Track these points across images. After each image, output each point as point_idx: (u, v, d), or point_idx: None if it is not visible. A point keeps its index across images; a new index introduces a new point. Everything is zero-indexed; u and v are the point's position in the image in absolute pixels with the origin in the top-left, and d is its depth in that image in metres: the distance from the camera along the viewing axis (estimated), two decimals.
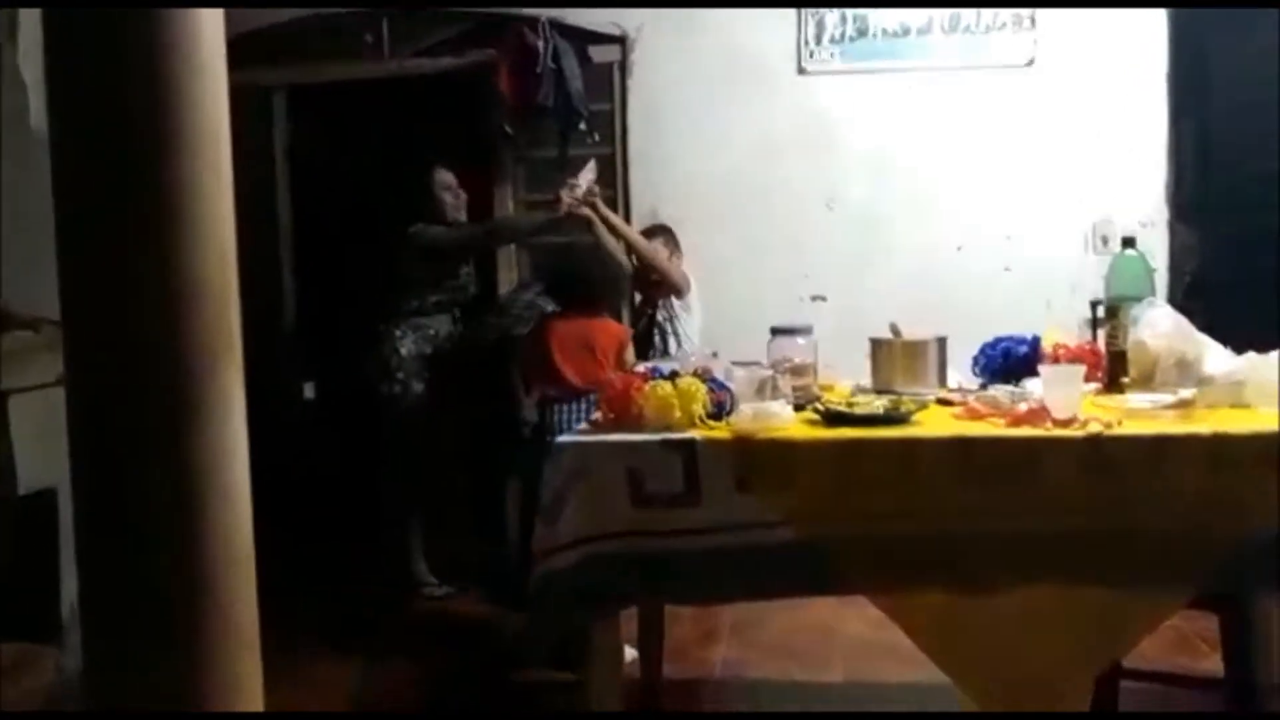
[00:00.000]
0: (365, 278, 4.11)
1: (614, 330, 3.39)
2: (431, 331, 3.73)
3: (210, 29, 1.14)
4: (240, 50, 4.52)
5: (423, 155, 3.89)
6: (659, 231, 3.79)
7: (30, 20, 2.60)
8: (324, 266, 4.74)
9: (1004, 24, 3.98)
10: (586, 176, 3.63)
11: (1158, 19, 3.87)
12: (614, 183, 4.20)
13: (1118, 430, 1.91)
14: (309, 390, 4.70)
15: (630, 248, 3.67)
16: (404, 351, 3.67)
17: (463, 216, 3.80)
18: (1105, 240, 3.87)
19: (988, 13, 3.97)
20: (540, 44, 4.07)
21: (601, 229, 3.61)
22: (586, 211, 3.60)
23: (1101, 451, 1.88)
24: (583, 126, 4.15)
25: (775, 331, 2.62)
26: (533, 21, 4.10)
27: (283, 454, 4.41)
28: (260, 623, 1.29)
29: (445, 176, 3.77)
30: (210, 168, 1.15)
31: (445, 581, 3.76)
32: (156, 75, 1.12)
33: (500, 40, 4.17)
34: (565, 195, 3.64)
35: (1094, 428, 1.91)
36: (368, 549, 4.01)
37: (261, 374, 4.27)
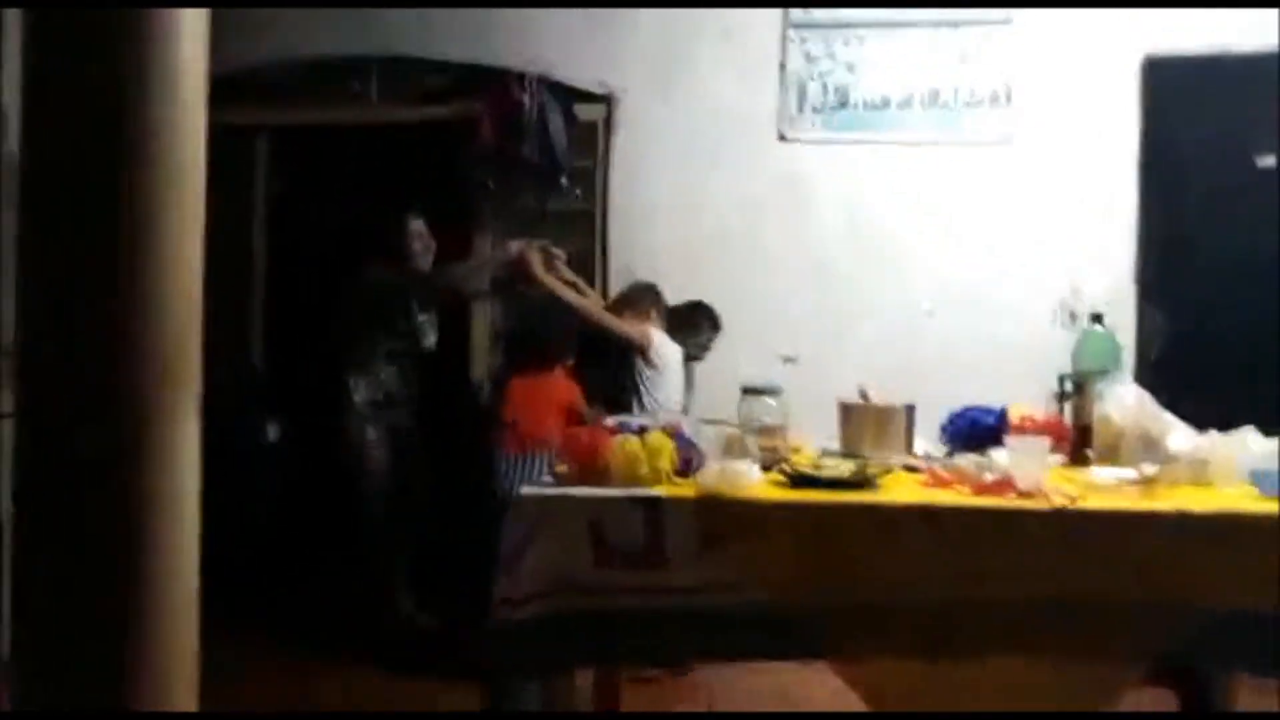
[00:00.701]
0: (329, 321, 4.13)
1: (563, 386, 3.40)
2: (382, 377, 3.72)
3: (192, 59, 1.14)
4: (226, 89, 4.53)
5: (398, 202, 3.91)
6: (644, 291, 3.78)
7: (12, 43, 2.59)
8: (295, 308, 4.71)
9: (981, 100, 4.07)
10: (550, 250, 3.68)
11: (1131, 101, 3.97)
12: (592, 239, 4.22)
13: (1082, 504, 1.91)
14: (272, 433, 4.64)
15: (571, 310, 3.64)
16: (356, 398, 3.67)
17: (427, 265, 3.81)
18: (1074, 315, 3.92)
19: (965, 88, 4.05)
20: (526, 98, 4.12)
21: (555, 285, 3.61)
22: (531, 265, 3.59)
23: (1065, 524, 1.89)
24: (564, 182, 4.18)
25: (746, 391, 2.62)
26: (520, 76, 4.14)
27: (242, 493, 4.38)
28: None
29: (417, 225, 3.80)
30: (182, 205, 1.14)
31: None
32: (134, 107, 1.11)
33: (486, 92, 4.21)
34: (515, 245, 3.71)
35: (1058, 500, 1.92)
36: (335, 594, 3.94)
37: (225, 413, 4.27)
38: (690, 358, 3.78)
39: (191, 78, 1.14)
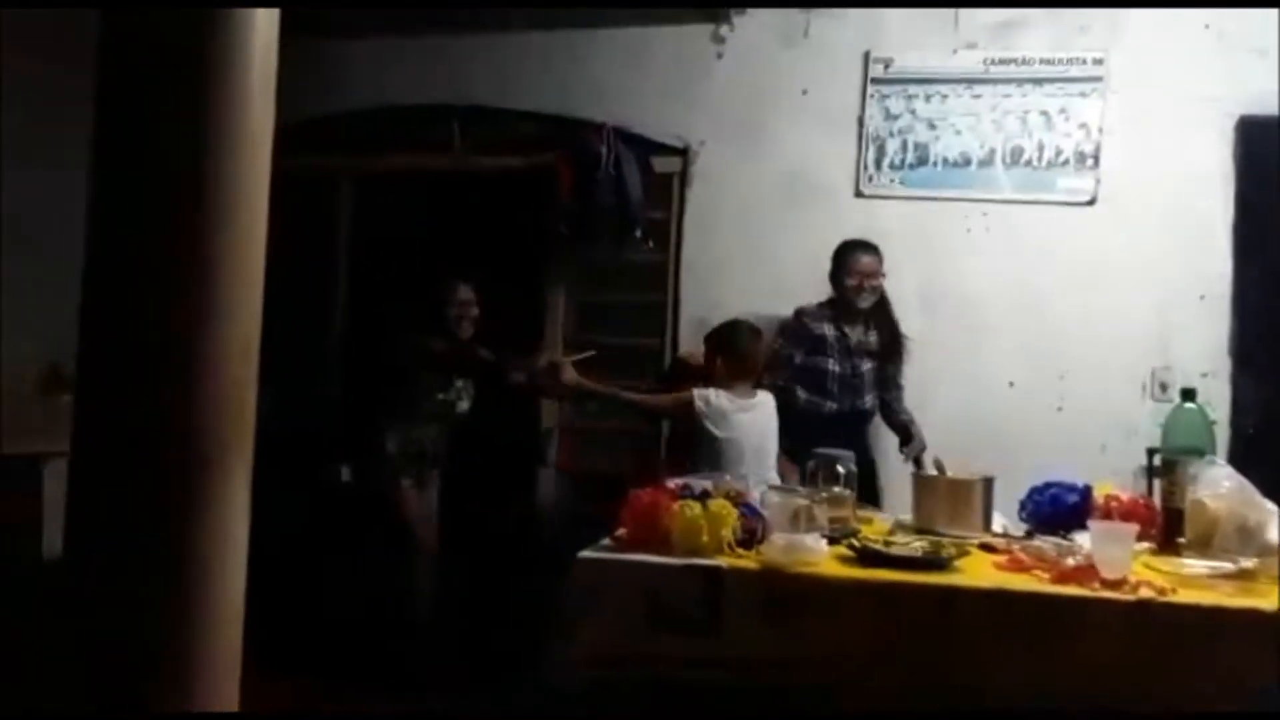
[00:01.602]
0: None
1: None
2: (416, 436, 3.82)
3: (260, 105, 1.14)
4: (311, 135, 4.66)
5: (451, 265, 4.00)
6: (699, 354, 3.66)
7: None
8: (371, 352, 4.76)
9: (1066, 160, 3.96)
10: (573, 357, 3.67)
11: (1225, 163, 3.83)
12: (664, 291, 4.20)
13: (1171, 598, 1.80)
14: (346, 474, 4.69)
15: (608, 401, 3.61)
16: (389, 448, 3.78)
17: (467, 334, 3.87)
18: (1164, 387, 3.76)
19: (1050, 148, 3.95)
20: (603, 149, 4.14)
21: (585, 385, 3.56)
22: (561, 375, 3.55)
23: (1151, 618, 1.77)
24: (638, 233, 4.18)
25: (815, 456, 2.55)
26: (597, 127, 4.17)
27: (316, 532, 4.42)
28: None
29: (464, 292, 3.87)
30: (245, 258, 1.14)
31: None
32: (203, 149, 1.12)
33: (564, 143, 4.24)
34: (543, 359, 3.74)
35: (1145, 592, 1.81)
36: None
37: (303, 454, 4.32)
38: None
39: (259, 135, 1.15)
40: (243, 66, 1.18)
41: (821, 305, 3.72)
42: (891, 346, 3.70)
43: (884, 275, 3.67)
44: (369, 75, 4.45)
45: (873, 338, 3.69)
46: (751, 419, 3.28)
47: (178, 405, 1.15)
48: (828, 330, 3.66)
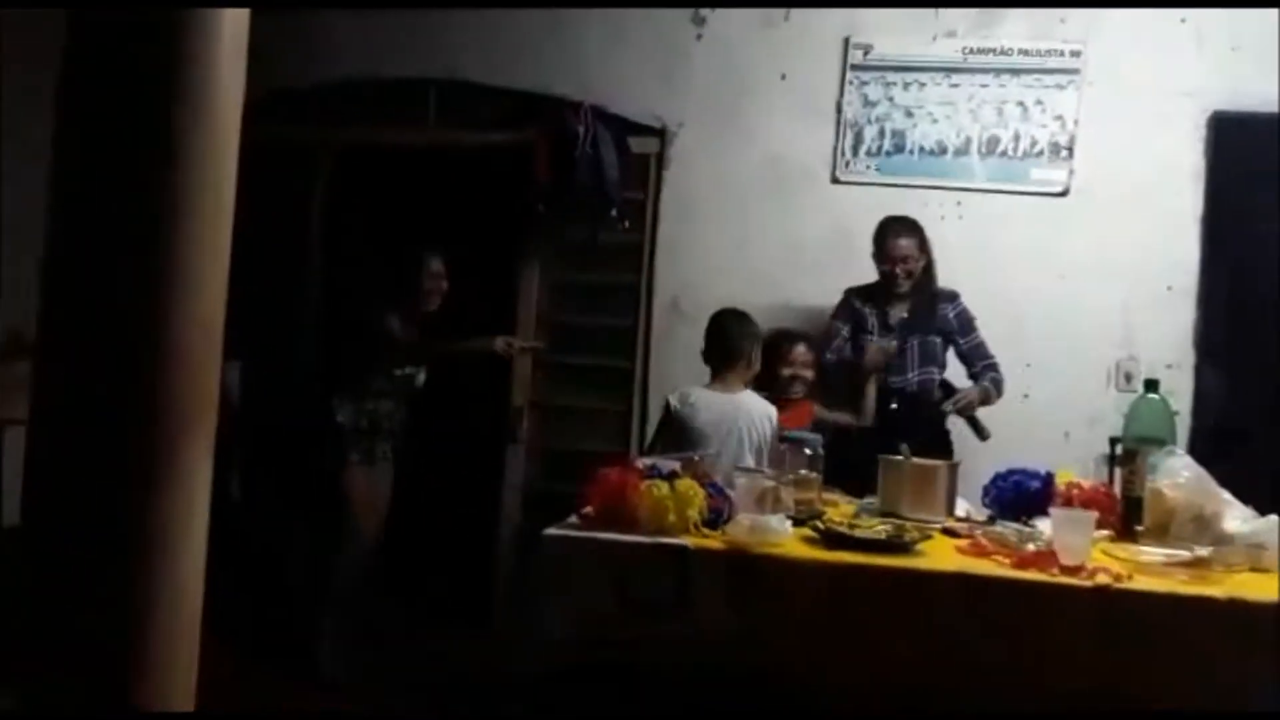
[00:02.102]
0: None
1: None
2: (370, 407, 3.74)
3: (227, 83, 1.13)
4: (285, 107, 4.59)
5: (420, 237, 3.95)
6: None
7: None
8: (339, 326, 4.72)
9: (1041, 151, 3.99)
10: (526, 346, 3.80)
11: (1197, 157, 3.87)
12: (639, 271, 4.19)
13: (1127, 584, 1.83)
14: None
15: None
16: (340, 419, 3.69)
17: (434, 306, 3.83)
18: (1128, 377, 3.80)
19: (1025, 139, 3.98)
20: (580, 128, 4.11)
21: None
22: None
23: (1108, 605, 1.80)
24: (614, 213, 4.16)
25: (784, 440, 2.57)
26: (575, 105, 4.14)
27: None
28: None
29: (435, 265, 3.82)
30: (209, 236, 1.13)
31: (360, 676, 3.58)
32: (167, 129, 1.10)
33: (542, 120, 4.22)
34: (501, 344, 3.82)
35: (1102, 579, 1.84)
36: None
37: (271, 425, 4.27)
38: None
39: (227, 110, 1.13)
40: (212, 34, 1.17)
41: (864, 285, 3.71)
42: (935, 322, 3.64)
43: (923, 259, 3.60)
44: (347, 47, 4.39)
45: (916, 315, 3.65)
46: (720, 419, 3.11)
47: (138, 377, 1.13)
48: (868, 309, 3.65)
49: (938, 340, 3.64)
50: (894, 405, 3.50)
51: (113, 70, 1.12)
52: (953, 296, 3.67)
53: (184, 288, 1.10)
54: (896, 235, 3.61)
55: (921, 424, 3.44)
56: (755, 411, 3.15)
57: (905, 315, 3.64)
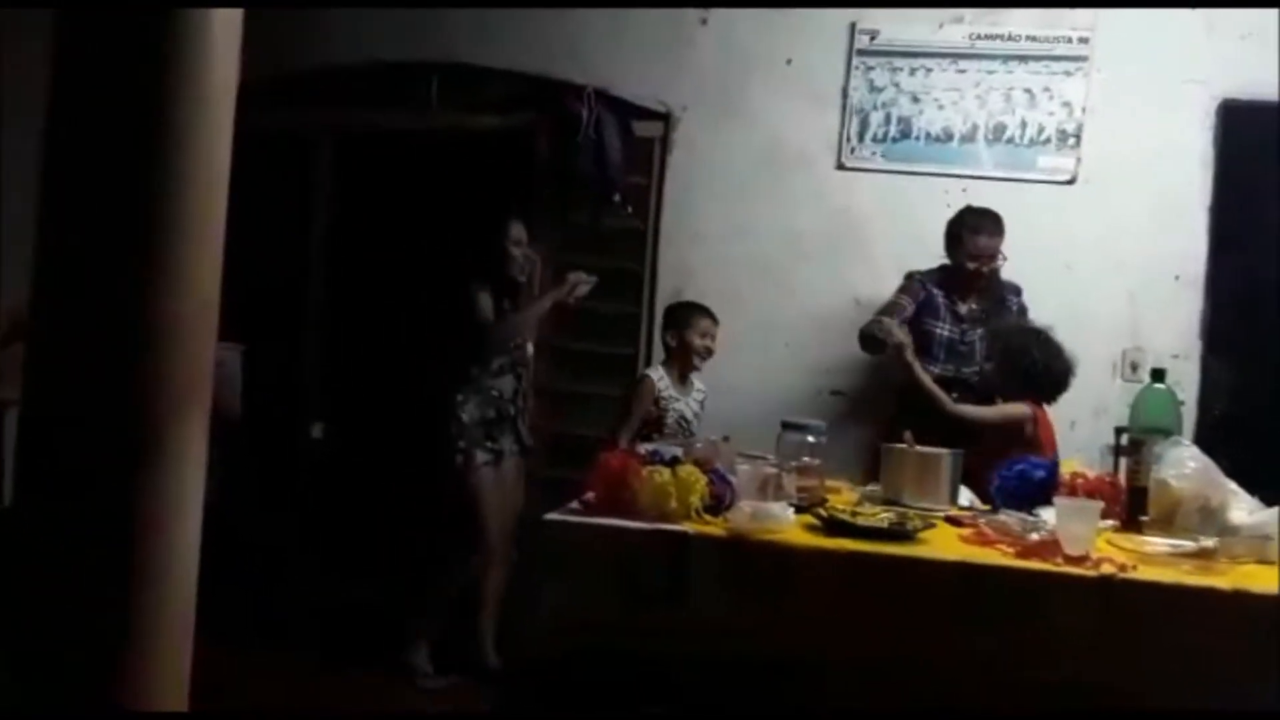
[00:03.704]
0: (398, 328, 4.15)
1: None
2: (495, 393, 3.59)
3: (221, 66, 1.11)
4: (286, 92, 4.55)
5: (496, 207, 3.82)
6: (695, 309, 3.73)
7: None
8: (353, 312, 4.69)
9: (1048, 138, 3.95)
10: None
11: (1206, 146, 3.83)
12: (642, 257, 4.17)
13: (1131, 574, 1.81)
14: (317, 431, 4.65)
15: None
16: (465, 418, 3.52)
17: (523, 277, 3.71)
18: (1135, 367, 3.78)
19: (1033, 126, 3.94)
20: (584, 112, 4.08)
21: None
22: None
23: (1112, 595, 1.78)
24: (617, 198, 4.14)
25: (786, 426, 2.55)
26: (579, 89, 4.11)
27: (285, 490, 4.40)
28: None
29: (518, 230, 3.66)
30: (204, 214, 1.11)
31: (447, 672, 3.54)
32: (160, 110, 1.08)
33: (544, 104, 4.19)
34: (572, 277, 3.65)
35: (1107, 569, 1.82)
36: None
37: (271, 410, 4.27)
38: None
39: (221, 91, 1.11)
40: (204, 17, 1.15)
41: (933, 270, 3.66)
42: (1003, 315, 3.59)
43: (1003, 257, 3.54)
44: (348, 29, 4.36)
45: (983, 307, 3.61)
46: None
47: (132, 360, 1.12)
48: (938, 295, 3.60)
49: None
50: (954, 395, 3.42)
51: (105, 49, 1.10)
52: (1017, 290, 3.64)
53: (178, 265, 1.09)
54: (985, 233, 3.53)
55: None
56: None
57: (974, 307, 3.61)
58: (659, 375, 3.60)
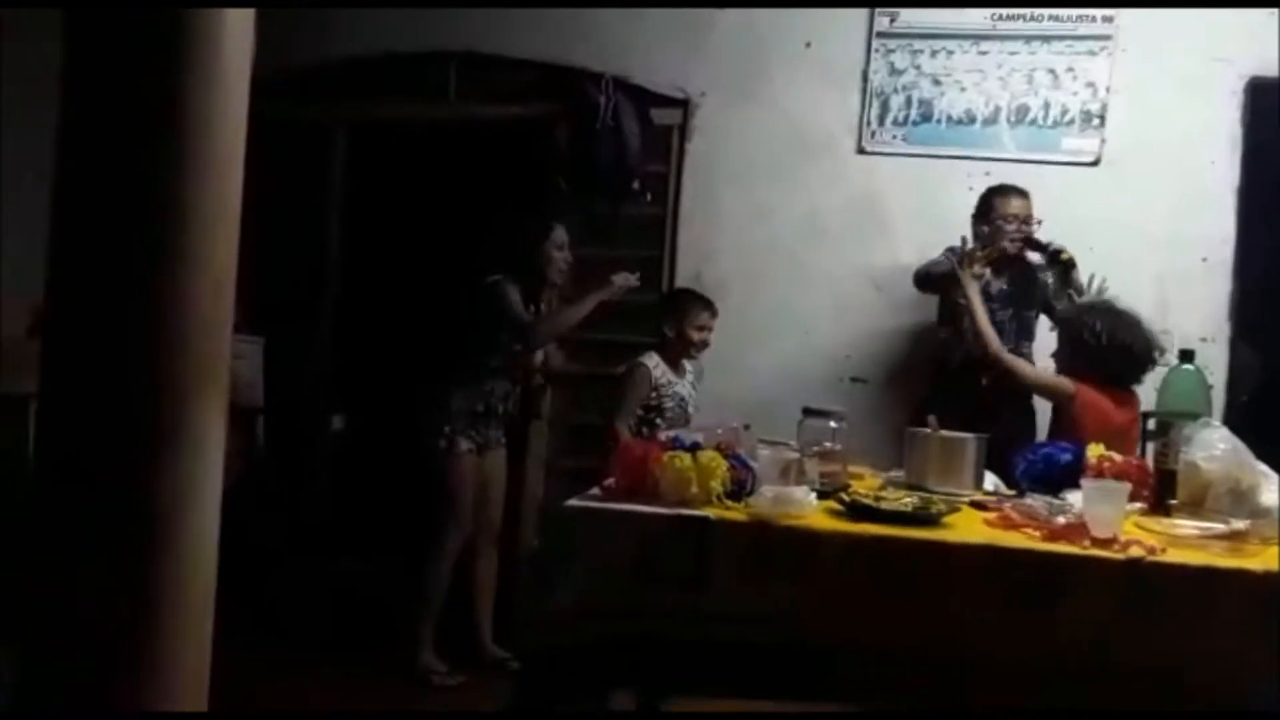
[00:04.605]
0: (414, 320, 4.14)
1: None
2: (488, 389, 3.60)
3: (235, 53, 1.10)
4: (303, 84, 4.56)
5: (541, 210, 3.87)
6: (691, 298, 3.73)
7: None
8: (370, 303, 4.70)
9: (1072, 120, 3.90)
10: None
11: (1233, 125, 3.77)
12: (661, 244, 4.15)
13: (1160, 557, 1.78)
14: (337, 422, 4.67)
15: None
16: (453, 407, 3.54)
17: (560, 280, 3.70)
18: (1162, 350, 3.72)
19: (1056, 108, 3.89)
20: (602, 100, 4.07)
21: None
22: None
23: (1141, 578, 1.76)
24: (636, 186, 4.12)
25: (807, 412, 2.53)
26: (596, 77, 4.10)
27: (304, 482, 4.42)
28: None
29: (561, 234, 3.66)
30: (218, 196, 1.10)
31: (460, 669, 3.55)
32: (173, 97, 1.08)
33: (562, 93, 4.17)
34: (619, 278, 3.61)
35: (1135, 551, 1.79)
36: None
37: (290, 402, 4.29)
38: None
39: (234, 73, 1.11)
40: (217, 17, 1.14)
41: (966, 250, 3.62)
42: (1035, 293, 3.59)
43: (1038, 222, 3.49)
44: (363, 21, 4.36)
45: (1015, 287, 3.58)
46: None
47: (147, 345, 1.12)
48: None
49: (1032, 314, 3.58)
50: (984, 381, 3.38)
51: (117, 33, 1.09)
52: (1059, 259, 3.53)
53: (193, 246, 1.08)
54: (1016, 195, 3.50)
55: (1007, 397, 3.35)
56: None
57: (1005, 286, 3.56)
58: (654, 363, 3.58)
